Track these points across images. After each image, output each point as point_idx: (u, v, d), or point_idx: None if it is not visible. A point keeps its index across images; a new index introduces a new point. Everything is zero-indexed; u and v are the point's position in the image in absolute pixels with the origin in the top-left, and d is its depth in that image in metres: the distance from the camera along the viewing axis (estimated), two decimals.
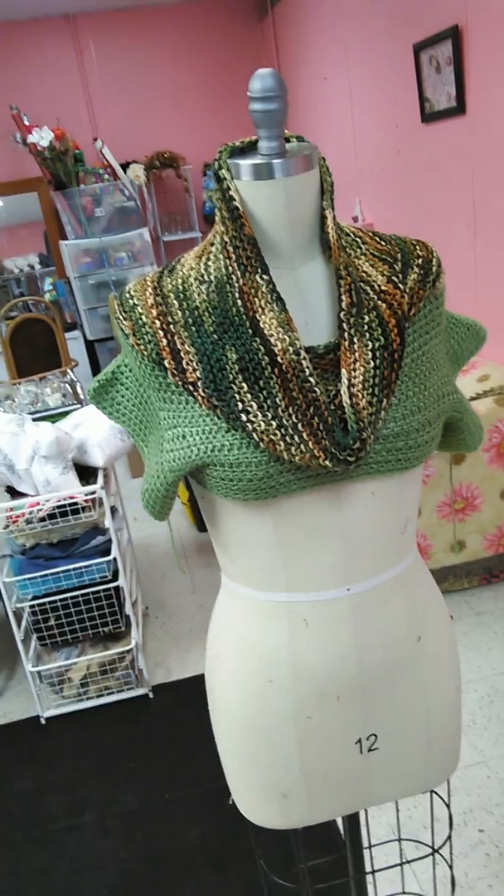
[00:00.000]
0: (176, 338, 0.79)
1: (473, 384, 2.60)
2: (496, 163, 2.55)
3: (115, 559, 2.30)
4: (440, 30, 2.66)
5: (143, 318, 0.81)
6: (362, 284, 0.81)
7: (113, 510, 2.46)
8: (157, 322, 0.80)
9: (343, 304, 0.79)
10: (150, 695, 2.48)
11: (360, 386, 0.77)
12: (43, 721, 2.44)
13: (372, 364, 0.78)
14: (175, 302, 0.80)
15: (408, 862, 1.24)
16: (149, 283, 0.83)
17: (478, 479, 2.55)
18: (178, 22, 4.92)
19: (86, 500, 2.22)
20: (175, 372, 0.80)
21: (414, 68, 2.90)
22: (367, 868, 1.21)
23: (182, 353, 0.79)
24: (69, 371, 3.44)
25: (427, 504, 2.54)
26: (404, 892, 1.34)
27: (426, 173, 3.07)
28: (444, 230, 3.00)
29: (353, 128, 3.78)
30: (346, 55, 3.66)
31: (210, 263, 0.81)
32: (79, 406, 2.95)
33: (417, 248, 0.87)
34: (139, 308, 0.81)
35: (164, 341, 0.80)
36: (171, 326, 0.80)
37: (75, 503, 2.21)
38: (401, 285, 0.82)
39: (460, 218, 2.85)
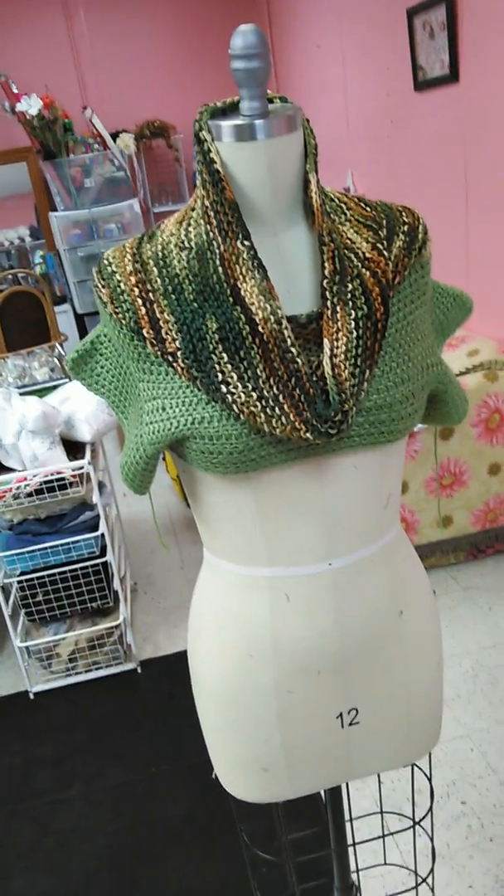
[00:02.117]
0: (155, 306, 0.77)
1: (463, 359, 2.59)
2: (489, 131, 2.51)
3: (102, 535, 2.29)
4: None
5: (122, 285, 0.78)
6: (346, 251, 0.79)
7: (101, 485, 2.45)
8: (136, 290, 0.78)
9: (326, 272, 0.77)
10: (139, 670, 2.48)
11: (343, 356, 0.75)
12: (31, 696, 2.44)
13: (355, 334, 0.76)
14: (154, 269, 0.78)
15: (389, 834, 1.25)
16: (128, 250, 0.80)
17: (466, 455, 2.54)
18: None
19: (73, 476, 2.20)
20: (154, 342, 0.77)
21: (407, 34, 2.84)
22: (350, 840, 1.22)
23: (161, 322, 0.77)
24: (58, 345, 3.40)
25: (414, 479, 2.53)
26: (386, 864, 1.35)
27: (419, 143, 3.02)
28: (436, 201, 2.96)
29: (345, 97, 3.71)
30: (340, 21, 3.58)
31: (191, 229, 0.78)
32: (67, 380, 2.91)
33: (403, 214, 0.84)
34: (117, 275, 0.79)
35: (143, 310, 0.77)
36: (150, 294, 0.77)
37: (63, 478, 2.19)
38: (385, 252, 0.80)
39: (453, 188, 2.81)
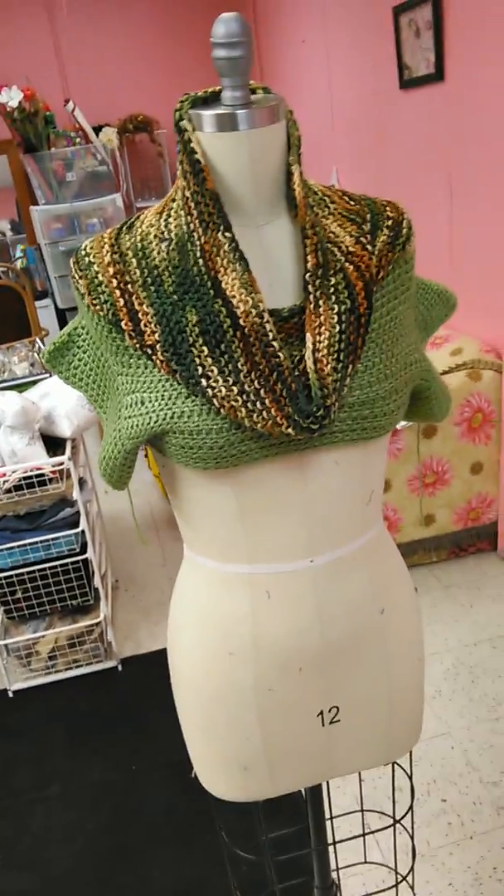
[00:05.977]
0: (134, 298, 0.76)
1: (446, 358, 2.59)
2: (474, 131, 2.51)
3: (83, 531, 2.26)
4: None
5: (99, 276, 0.77)
6: (329, 245, 0.78)
7: (81, 482, 2.42)
8: (114, 281, 0.76)
9: (308, 265, 0.76)
10: (119, 667, 2.47)
11: (325, 351, 0.74)
12: (10, 694, 2.42)
13: (338, 328, 0.75)
14: (133, 260, 0.76)
15: (370, 832, 1.24)
16: (106, 241, 0.79)
17: (448, 454, 2.55)
18: None
19: (53, 472, 2.17)
20: (133, 334, 0.76)
21: (393, 32, 2.84)
22: (330, 839, 1.21)
23: (140, 315, 0.75)
24: (38, 340, 3.36)
25: (397, 478, 2.54)
26: (366, 862, 1.35)
27: (404, 141, 3.02)
28: (420, 199, 2.96)
29: (330, 94, 3.70)
30: (325, 18, 3.57)
31: (171, 220, 0.77)
32: (47, 376, 2.88)
33: (388, 209, 0.83)
34: (95, 266, 0.77)
35: (121, 301, 0.76)
36: (129, 286, 0.76)
37: (42, 474, 2.16)
38: (369, 247, 0.79)
39: (437, 187, 2.82)
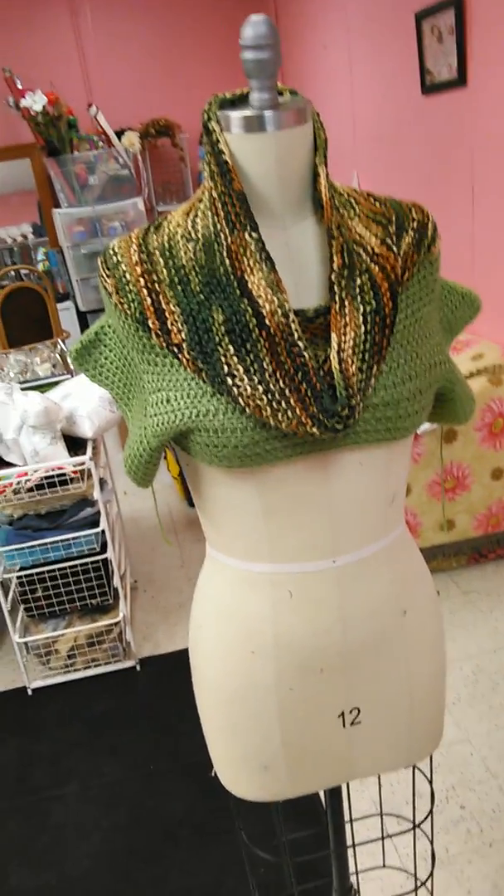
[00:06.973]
0: (161, 297, 0.76)
1: (467, 363, 2.58)
2: (496, 136, 2.50)
3: (103, 531, 2.28)
4: None
5: (127, 275, 0.77)
6: (355, 246, 0.78)
7: (102, 482, 2.44)
8: (142, 280, 0.77)
9: (334, 266, 0.76)
10: (137, 667, 2.47)
11: (350, 351, 0.75)
12: (29, 692, 2.44)
13: (363, 329, 0.75)
14: (160, 260, 0.77)
15: (389, 836, 1.24)
16: (133, 240, 0.80)
17: (469, 459, 2.53)
18: None
19: (74, 472, 2.19)
20: (159, 333, 0.77)
21: (415, 38, 2.83)
22: (349, 842, 1.21)
23: (167, 314, 0.76)
24: (60, 342, 3.39)
25: (417, 482, 2.53)
26: (385, 866, 1.34)
27: (426, 147, 3.01)
28: (442, 205, 2.95)
29: (352, 98, 3.70)
30: (347, 22, 3.57)
31: (198, 220, 0.78)
32: (69, 377, 2.91)
33: (413, 211, 0.83)
34: (123, 266, 0.78)
35: (149, 300, 0.77)
36: (156, 285, 0.77)
37: (63, 474, 2.18)
38: (395, 248, 0.79)
39: (459, 192, 2.81)
